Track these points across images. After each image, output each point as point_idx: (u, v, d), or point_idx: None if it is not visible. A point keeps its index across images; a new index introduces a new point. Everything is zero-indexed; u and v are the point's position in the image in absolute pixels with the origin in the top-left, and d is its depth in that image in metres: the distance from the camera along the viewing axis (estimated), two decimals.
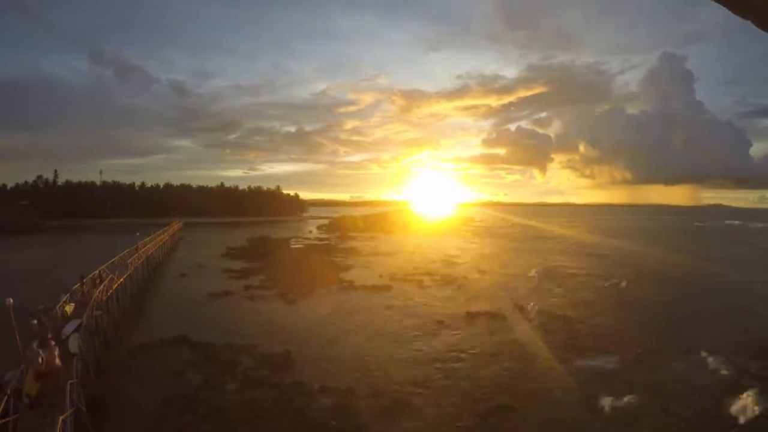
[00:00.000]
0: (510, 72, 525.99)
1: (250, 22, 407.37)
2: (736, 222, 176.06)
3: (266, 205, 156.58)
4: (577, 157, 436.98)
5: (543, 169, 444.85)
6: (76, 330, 16.75)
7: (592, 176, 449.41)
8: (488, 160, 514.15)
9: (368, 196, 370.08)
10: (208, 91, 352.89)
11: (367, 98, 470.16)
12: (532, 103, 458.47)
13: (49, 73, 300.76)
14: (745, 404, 16.15)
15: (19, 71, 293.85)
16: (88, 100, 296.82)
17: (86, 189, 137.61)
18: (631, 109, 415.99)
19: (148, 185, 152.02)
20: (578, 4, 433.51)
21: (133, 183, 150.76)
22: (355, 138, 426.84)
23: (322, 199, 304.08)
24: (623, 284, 40.31)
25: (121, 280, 29.32)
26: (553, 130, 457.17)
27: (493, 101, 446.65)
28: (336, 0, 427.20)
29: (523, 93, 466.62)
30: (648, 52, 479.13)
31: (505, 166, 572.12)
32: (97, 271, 27.56)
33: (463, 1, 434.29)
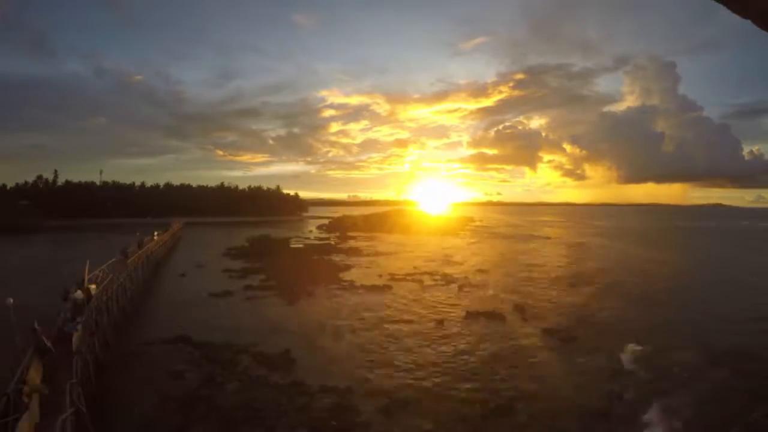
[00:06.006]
0: (507, 73, 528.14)
1: (267, 23, 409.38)
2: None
3: (266, 205, 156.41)
4: (575, 158, 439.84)
5: (535, 168, 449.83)
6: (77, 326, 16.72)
7: (588, 176, 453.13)
8: (485, 160, 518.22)
9: (364, 195, 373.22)
10: (207, 95, 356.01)
11: (369, 100, 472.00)
12: (527, 104, 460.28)
13: (51, 75, 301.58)
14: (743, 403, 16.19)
15: (22, 72, 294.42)
16: (90, 102, 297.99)
17: (86, 189, 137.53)
18: (629, 109, 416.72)
19: (148, 185, 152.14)
20: (593, 12, 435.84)
21: (133, 183, 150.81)
22: (350, 139, 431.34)
23: (322, 199, 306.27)
24: (621, 282, 40.30)
25: (121, 280, 29.31)
26: (549, 130, 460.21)
27: (488, 102, 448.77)
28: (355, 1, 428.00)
29: (520, 94, 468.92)
30: (645, 54, 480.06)
31: (497, 165, 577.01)
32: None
33: (486, 7, 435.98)
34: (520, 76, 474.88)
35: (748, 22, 4.56)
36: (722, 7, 4.58)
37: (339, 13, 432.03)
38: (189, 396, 16.61)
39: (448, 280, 42.03)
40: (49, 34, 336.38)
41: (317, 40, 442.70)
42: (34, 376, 12.52)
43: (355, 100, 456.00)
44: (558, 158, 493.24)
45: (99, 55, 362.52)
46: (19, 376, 12.22)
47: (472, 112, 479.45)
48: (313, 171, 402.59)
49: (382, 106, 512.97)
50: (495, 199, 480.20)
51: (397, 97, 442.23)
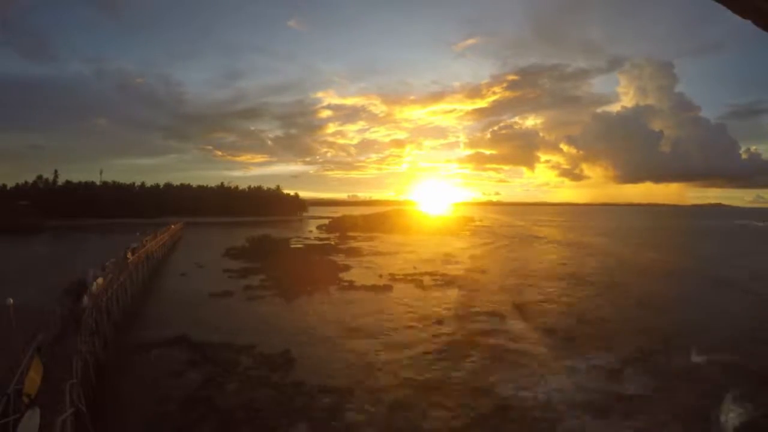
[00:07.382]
0: (499, 75, 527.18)
1: (270, 25, 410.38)
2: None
3: (266, 205, 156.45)
4: (572, 158, 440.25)
5: (533, 168, 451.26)
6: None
7: (585, 176, 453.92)
8: (483, 160, 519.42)
9: (363, 195, 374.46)
10: (208, 96, 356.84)
11: (365, 101, 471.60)
12: (522, 104, 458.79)
13: (53, 76, 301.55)
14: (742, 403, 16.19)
15: (23, 73, 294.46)
16: (91, 103, 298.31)
17: (86, 189, 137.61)
18: (625, 109, 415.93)
19: (148, 185, 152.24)
20: (592, 14, 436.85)
21: (133, 183, 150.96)
22: (347, 140, 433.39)
23: (321, 199, 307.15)
24: (620, 282, 40.30)
25: (121, 279, 29.33)
26: (545, 130, 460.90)
27: (483, 103, 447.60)
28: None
29: (513, 95, 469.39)
30: (643, 55, 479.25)
31: (495, 165, 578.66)
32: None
33: (483, 9, 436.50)
34: (512, 77, 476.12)
35: (747, 23, 4.55)
36: (720, 8, 4.58)
37: (337, 14, 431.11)
38: (189, 396, 16.62)
39: (448, 280, 42.04)
40: (51, 36, 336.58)
41: (316, 41, 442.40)
42: (34, 376, 12.53)
43: (350, 101, 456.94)
44: (555, 158, 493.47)
45: (101, 58, 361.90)
46: (19, 376, 12.23)
47: (468, 113, 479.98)
48: (312, 171, 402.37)
49: (378, 107, 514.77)
50: (494, 198, 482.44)
51: (393, 99, 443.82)
